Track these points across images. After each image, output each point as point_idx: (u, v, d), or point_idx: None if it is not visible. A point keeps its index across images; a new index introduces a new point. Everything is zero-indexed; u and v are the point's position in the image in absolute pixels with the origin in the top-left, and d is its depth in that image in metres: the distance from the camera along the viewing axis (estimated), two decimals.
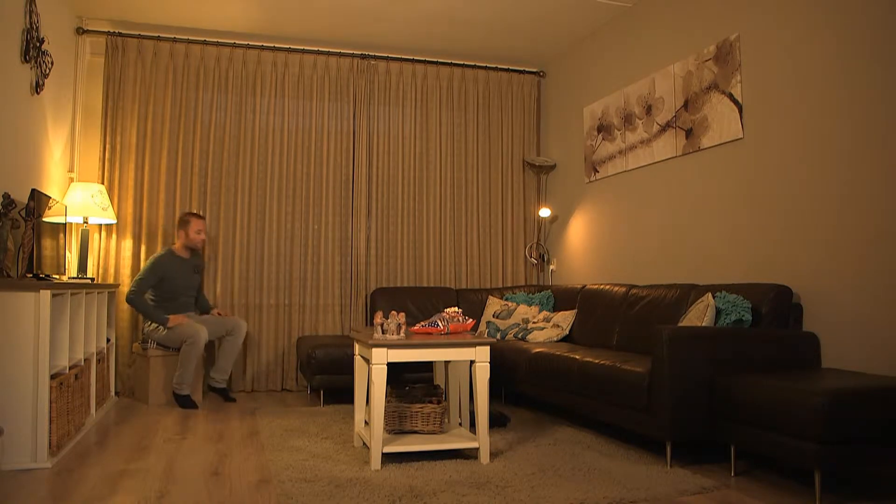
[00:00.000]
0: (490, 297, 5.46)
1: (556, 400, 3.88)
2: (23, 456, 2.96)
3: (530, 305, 5.20)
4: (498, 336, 5.01)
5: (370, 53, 5.71)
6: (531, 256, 5.96)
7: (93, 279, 4.76)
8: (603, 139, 5.18)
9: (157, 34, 5.20)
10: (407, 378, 4.66)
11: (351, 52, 5.65)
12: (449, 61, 5.90)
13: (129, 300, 4.57)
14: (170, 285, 4.69)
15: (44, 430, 2.99)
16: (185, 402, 4.48)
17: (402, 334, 3.09)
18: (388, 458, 3.14)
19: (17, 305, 2.99)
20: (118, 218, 5.01)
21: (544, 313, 5.03)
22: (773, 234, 3.64)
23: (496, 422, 3.89)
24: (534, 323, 4.98)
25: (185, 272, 4.79)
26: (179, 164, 5.20)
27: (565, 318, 4.82)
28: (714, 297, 3.47)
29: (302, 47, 5.52)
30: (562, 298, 5.13)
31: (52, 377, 3.08)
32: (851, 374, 2.96)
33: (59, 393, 3.16)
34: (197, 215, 4.82)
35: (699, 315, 3.41)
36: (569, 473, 2.94)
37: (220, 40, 5.35)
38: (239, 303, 5.24)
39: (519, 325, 5.01)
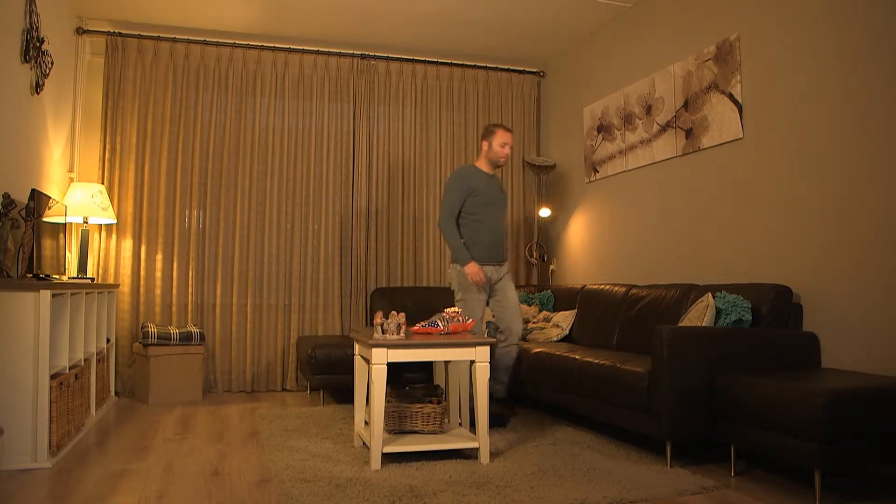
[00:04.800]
0: None
1: (556, 400, 3.88)
2: (23, 456, 2.96)
3: (530, 305, 5.20)
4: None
5: (370, 53, 5.71)
6: (531, 256, 5.96)
7: (93, 279, 4.76)
8: (603, 139, 5.18)
9: (157, 34, 5.20)
10: (407, 378, 4.66)
11: (351, 52, 5.65)
12: (449, 61, 5.90)
13: (439, 225, 4.06)
14: (475, 202, 4.04)
15: (44, 430, 2.99)
16: (492, 420, 3.85)
17: (402, 334, 3.09)
18: (388, 458, 3.14)
19: (17, 305, 2.99)
20: (118, 218, 5.01)
21: (544, 313, 5.02)
22: (773, 234, 3.64)
23: (496, 422, 3.89)
24: (534, 323, 4.97)
25: (493, 188, 4.14)
26: (179, 164, 5.20)
27: (565, 318, 4.82)
28: (714, 297, 3.47)
29: (302, 47, 5.52)
30: (562, 298, 5.13)
31: (52, 377, 3.08)
32: (851, 374, 2.96)
33: (59, 393, 3.16)
34: (503, 126, 4.14)
35: (699, 315, 3.41)
36: (569, 473, 2.94)
37: (220, 40, 5.35)
38: (239, 303, 5.24)
39: None
